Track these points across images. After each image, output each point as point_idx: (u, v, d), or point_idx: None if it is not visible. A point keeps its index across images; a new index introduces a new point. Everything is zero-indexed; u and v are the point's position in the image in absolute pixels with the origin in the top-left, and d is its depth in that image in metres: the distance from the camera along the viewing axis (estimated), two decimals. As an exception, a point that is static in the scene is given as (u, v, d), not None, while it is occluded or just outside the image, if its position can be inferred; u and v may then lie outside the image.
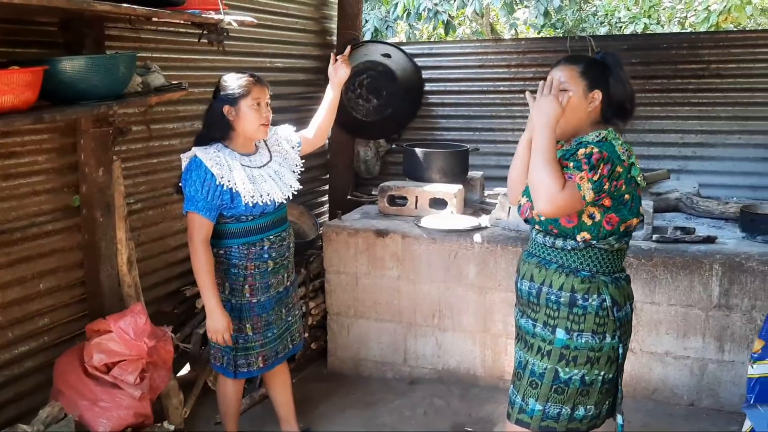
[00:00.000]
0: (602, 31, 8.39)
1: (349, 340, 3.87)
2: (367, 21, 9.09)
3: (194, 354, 3.55)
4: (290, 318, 2.90)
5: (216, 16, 3.00)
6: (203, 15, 2.97)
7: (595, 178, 1.94)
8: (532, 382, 2.14)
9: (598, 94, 2.08)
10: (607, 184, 1.97)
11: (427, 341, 3.73)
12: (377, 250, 3.69)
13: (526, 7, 8.17)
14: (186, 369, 3.65)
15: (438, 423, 3.37)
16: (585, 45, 4.67)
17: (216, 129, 2.64)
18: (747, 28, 7.45)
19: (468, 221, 3.65)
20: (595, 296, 2.07)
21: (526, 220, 2.24)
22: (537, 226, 2.17)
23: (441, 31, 9.40)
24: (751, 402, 2.44)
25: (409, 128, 5.14)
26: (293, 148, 2.88)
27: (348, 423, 3.36)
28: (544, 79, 2.08)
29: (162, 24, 3.35)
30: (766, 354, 2.36)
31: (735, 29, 7.15)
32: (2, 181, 2.81)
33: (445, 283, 3.61)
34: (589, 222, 2.05)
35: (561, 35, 8.56)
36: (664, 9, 8.30)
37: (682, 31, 7.92)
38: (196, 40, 3.24)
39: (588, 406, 2.11)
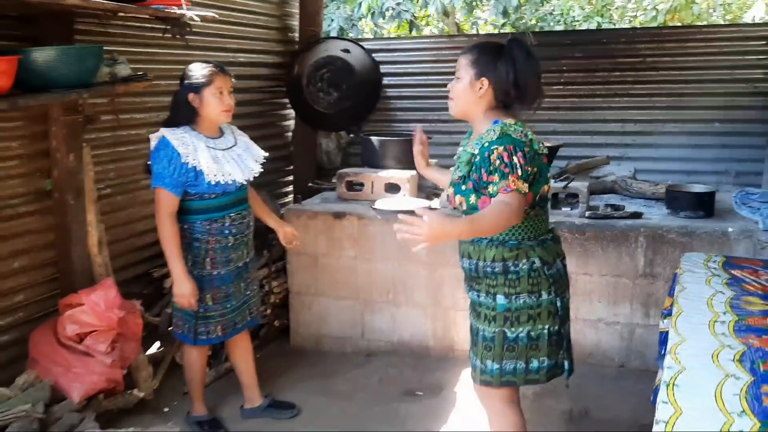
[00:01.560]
0: (558, 29, 8.75)
1: (311, 318, 4.12)
2: (332, 20, 9.35)
3: (163, 332, 3.77)
4: (249, 292, 3.13)
5: (178, 11, 3.22)
6: (166, 10, 3.19)
7: (520, 172, 2.13)
8: (486, 345, 2.34)
9: (484, 82, 2.25)
10: (528, 168, 2.16)
11: (382, 316, 3.98)
12: (335, 231, 3.94)
13: (486, 8, 8.48)
14: (155, 347, 3.86)
15: (391, 389, 3.63)
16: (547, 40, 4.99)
17: (182, 114, 2.87)
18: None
19: (419, 203, 3.91)
20: (524, 260, 2.27)
21: (454, 208, 2.47)
22: (464, 213, 2.36)
23: (406, 30, 9.69)
24: (663, 353, 2.73)
25: (369, 120, 5.38)
26: (257, 160, 3.05)
27: (307, 391, 3.60)
28: None
29: (129, 19, 3.55)
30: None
31: (668, 25, 7.55)
32: (-22, 166, 3.02)
33: (398, 261, 3.87)
34: None
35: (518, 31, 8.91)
36: (616, 8, 8.69)
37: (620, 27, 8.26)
38: (161, 35, 3.47)
39: (541, 358, 2.31)
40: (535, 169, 2.23)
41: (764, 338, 1.85)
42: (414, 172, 4.18)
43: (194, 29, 3.86)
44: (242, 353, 3.27)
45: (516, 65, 2.24)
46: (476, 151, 2.23)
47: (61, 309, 3.18)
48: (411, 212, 2.06)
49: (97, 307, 3.07)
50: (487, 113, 2.30)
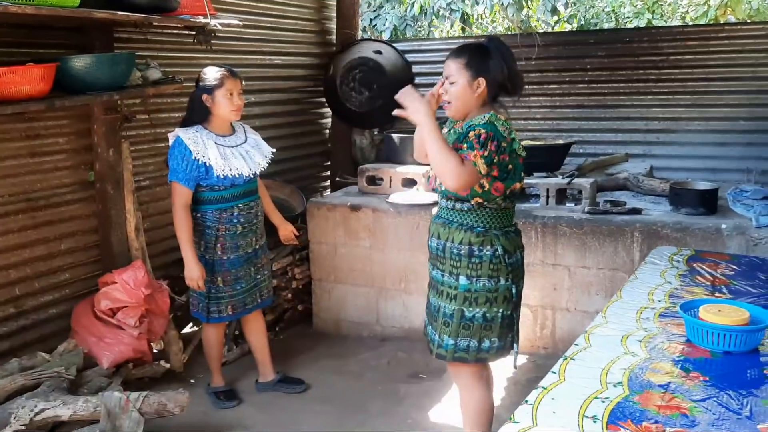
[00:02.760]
0: (609, 25, 8.69)
1: (331, 303, 4.41)
2: (387, 20, 9.61)
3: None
4: (259, 276, 3.44)
5: (203, 20, 3.57)
6: (192, 19, 3.54)
7: (486, 153, 2.34)
8: (445, 321, 2.55)
9: (482, 82, 2.46)
10: (495, 157, 2.36)
11: (395, 303, 4.23)
12: (352, 222, 4.21)
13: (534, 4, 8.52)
14: (189, 327, 4.26)
15: (398, 371, 3.87)
16: (557, 39, 5.08)
17: (196, 113, 3.21)
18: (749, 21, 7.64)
19: (430, 197, 4.13)
20: (488, 247, 2.47)
21: (433, 189, 2.70)
22: (440, 193, 2.62)
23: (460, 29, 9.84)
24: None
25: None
26: (265, 156, 3.37)
27: (321, 369, 3.90)
28: None
29: (164, 27, 3.93)
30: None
31: (690, 24, 7.41)
32: (30, 158, 3.45)
33: (410, 252, 4.10)
34: (480, 190, 2.45)
35: (577, 29, 8.92)
36: (669, 4, 8.54)
37: (670, 25, 8.13)
38: (192, 41, 3.82)
39: (492, 339, 2.51)
40: (510, 166, 2.44)
41: (683, 322, 1.98)
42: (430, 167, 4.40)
43: (230, 34, 4.23)
44: (256, 332, 3.58)
45: (505, 61, 2.47)
46: (464, 131, 2.44)
47: (99, 286, 3.59)
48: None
49: (127, 285, 3.46)
50: (480, 109, 2.50)
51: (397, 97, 2.49)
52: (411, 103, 2.45)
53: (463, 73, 2.47)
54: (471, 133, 2.37)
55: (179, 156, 3.11)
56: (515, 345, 2.58)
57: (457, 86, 2.48)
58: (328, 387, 3.70)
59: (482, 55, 2.48)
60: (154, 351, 3.70)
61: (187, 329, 4.24)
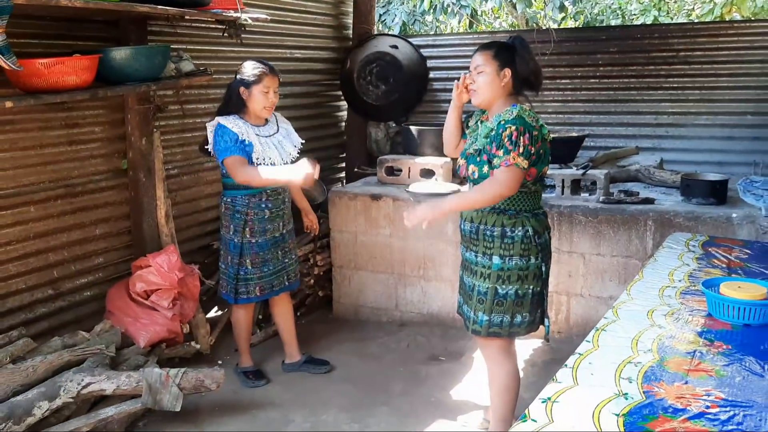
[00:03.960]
0: (615, 22, 8.83)
1: (351, 289, 4.55)
2: (396, 15, 9.74)
3: (220, 297, 4.28)
4: (287, 260, 3.59)
5: (234, 14, 3.70)
6: (224, 13, 3.68)
7: (521, 150, 2.51)
8: (479, 299, 2.73)
9: (508, 72, 2.63)
10: (532, 149, 2.54)
11: (414, 290, 4.38)
12: (372, 211, 4.36)
13: (544, 2, 8.66)
14: (214, 311, 4.40)
15: (417, 354, 4.02)
16: (569, 35, 5.22)
17: (233, 104, 3.34)
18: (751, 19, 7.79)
19: (448, 187, 4.28)
20: (520, 228, 2.64)
21: (465, 177, 2.85)
22: (473, 182, 2.78)
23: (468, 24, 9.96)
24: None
25: (416, 111, 5.76)
26: (295, 146, 3.52)
27: (342, 352, 4.05)
28: None
29: (194, 21, 4.07)
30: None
31: (700, 21, 7.55)
32: (68, 146, 3.59)
33: (429, 240, 4.25)
34: None
35: (580, 26, 9.05)
36: (674, 2, 8.68)
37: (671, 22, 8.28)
38: (222, 35, 3.96)
39: (524, 314, 2.70)
40: (541, 151, 2.61)
41: (703, 299, 2.13)
42: (448, 159, 4.55)
43: (254, 28, 4.36)
44: (283, 314, 3.73)
45: (529, 57, 2.66)
46: (494, 126, 2.61)
47: (133, 270, 3.74)
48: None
49: (161, 269, 3.60)
50: (505, 100, 2.68)
51: (410, 225, 2.74)
52: (425, 215, 2.69)
53: (492, 63, 2.64)
54: (504, 134, 2.54)
55: (225, 136, 3.23)
56: (546, 319, 2.76)
57: (486, 75, 2.65)
58: (350, 368, 3.85)
59: (509, 50, 2.67)
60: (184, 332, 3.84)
61: (211, 313, 4.38)
